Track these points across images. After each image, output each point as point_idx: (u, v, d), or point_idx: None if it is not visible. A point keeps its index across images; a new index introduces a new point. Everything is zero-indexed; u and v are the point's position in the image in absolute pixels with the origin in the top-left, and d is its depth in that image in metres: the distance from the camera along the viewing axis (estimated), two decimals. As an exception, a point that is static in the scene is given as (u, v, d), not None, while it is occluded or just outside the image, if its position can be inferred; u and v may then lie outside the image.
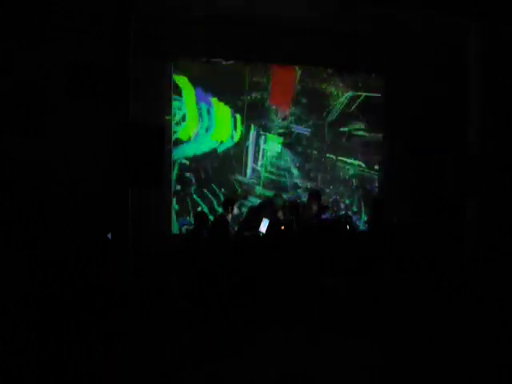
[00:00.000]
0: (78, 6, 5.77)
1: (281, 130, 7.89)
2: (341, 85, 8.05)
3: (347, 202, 8.15)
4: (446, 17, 6.78)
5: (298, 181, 7.98)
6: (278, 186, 7.88)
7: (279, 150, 7.90)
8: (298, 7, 6.63)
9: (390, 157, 8.08)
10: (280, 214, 6.58)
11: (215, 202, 7.62)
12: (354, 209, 8.19)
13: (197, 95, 7.57)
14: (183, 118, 7.58)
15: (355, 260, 5.38)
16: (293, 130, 7.91)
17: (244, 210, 7.36)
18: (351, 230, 6.40)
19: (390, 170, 8.08)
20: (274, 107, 7.85)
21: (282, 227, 6.06)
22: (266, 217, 6.14)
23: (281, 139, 7.88)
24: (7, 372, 3.68)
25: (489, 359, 4.09)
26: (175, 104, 7.46)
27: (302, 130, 7.95)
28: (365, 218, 8.10)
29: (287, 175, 7.95)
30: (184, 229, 7.46)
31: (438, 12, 6.62)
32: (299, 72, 7.90)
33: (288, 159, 7.93)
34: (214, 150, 7.65)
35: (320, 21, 6.95)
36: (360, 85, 8.10)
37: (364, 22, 6.95)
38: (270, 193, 7.74)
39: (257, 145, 7.84)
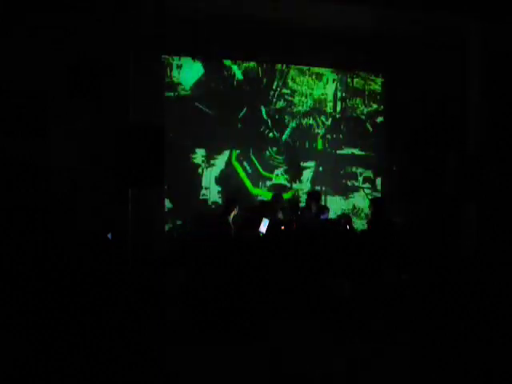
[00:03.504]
0: (78, 6, 5.77)
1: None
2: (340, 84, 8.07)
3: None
4: (446, 17, 6.78)
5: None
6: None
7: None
8: (298, 7, 6.64)
9: (390, 157, 8.08)
10: (280, 214, 6.58)
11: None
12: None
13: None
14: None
15: (356, 260, 5.37)
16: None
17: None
18: (351, 229, 6.40)
19: (390, 169, 8.09)
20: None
21: (282, 227, 6.06)
22: (266, 217, 6.13)
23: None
24: (7, 372, 3.68)
25: (489, 360, 4.09)
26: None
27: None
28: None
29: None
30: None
31: (437, 12, 6.63)
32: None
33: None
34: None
35: (319, 21, 6.96)
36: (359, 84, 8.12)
37: (364, 22, 6.95)
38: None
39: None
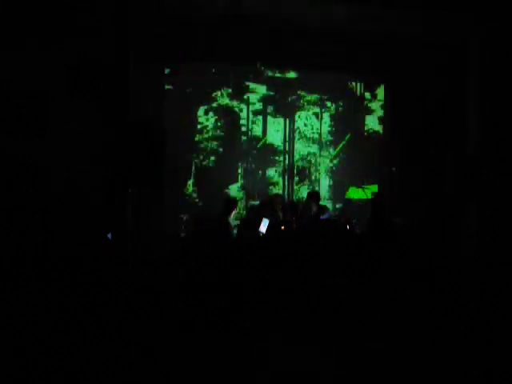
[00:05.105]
0: (78, 6, 5.77)
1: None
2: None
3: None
4: (446, 17, 6.78)
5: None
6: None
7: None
8: (299, 7, 6.64)
9: (391, 157, 8.08)
10: (280, 214, 6.59)
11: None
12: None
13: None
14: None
15: (356, 260, 5.37)
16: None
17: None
18: (351, 229, 6.40)
19: (390, 170, 8.08)
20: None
21: (282, 227, 6.06)
22: (266, 217, 6.14)
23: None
24: (7, 372, 3.69)
25: (489, 360, 4.09)
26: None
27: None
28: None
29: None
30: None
31: (437, 12, 6.62)
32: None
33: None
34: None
35: (320, 21, 6.95)
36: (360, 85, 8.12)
37: (364, 22, 6.95)
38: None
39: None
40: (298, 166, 8.02)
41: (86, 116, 5.78)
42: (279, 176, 7.98)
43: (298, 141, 8.03)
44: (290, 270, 5.20)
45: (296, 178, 8.00)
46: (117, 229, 5.64)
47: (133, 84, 6.05)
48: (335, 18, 6.82)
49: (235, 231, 6.47)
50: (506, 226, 6.66)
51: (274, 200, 6.93)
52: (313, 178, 8.06)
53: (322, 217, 6.50)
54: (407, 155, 7.83)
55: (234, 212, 6.36)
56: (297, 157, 8.05)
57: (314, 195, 6.90)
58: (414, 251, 5.78)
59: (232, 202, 6.41)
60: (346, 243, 5.62)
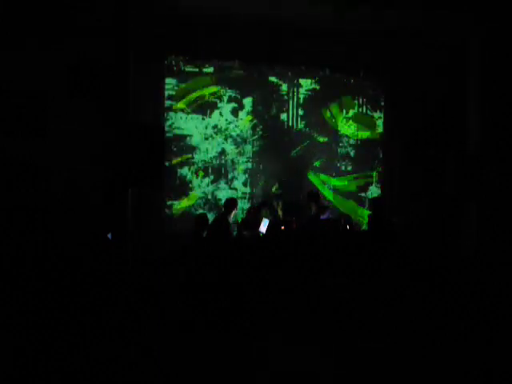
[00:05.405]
0: (78, 6, 5.78)
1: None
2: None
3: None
4: (446, 17, 6.79)
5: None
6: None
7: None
8: (298, 7, 6.64)
9: (390, 157, 8.08)
10: (280, 214, 6.59)
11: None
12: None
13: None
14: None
15: (356, 260, 5.37)
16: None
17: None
18: (351, 229, 6.40)
19: (390, 170, 8.08)
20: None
21: (282, 227, 6.06)
22: (266, 217, 6.14)
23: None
24: (7, 372, 3.69)
25: (489, 360, 4.09)
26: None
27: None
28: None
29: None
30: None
31: (438, 12, 6.63)
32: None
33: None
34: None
35: (319, 21, 6.96)
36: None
37: (364, 22, 6.95)
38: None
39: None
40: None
41: (86, 116, 5.78)
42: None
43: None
44: (290, 270, 5.20)
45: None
46: (117, 229, 5.64)
47: (133, 84, 6.06)
48: (335, 18, 6.82)
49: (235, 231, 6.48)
50: (506, 225, 6.67)
51: (273, 200, 6.94)
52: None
53: (321, 217, 6.50)
54: (407, 155, 7.83)
55: (234, 212, 6.36)
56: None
57: (314, 195, 6.90)
58: (414, 251, 5.78)
59: (232, 202, 6.40)
60: (345, 243, 5.61)
